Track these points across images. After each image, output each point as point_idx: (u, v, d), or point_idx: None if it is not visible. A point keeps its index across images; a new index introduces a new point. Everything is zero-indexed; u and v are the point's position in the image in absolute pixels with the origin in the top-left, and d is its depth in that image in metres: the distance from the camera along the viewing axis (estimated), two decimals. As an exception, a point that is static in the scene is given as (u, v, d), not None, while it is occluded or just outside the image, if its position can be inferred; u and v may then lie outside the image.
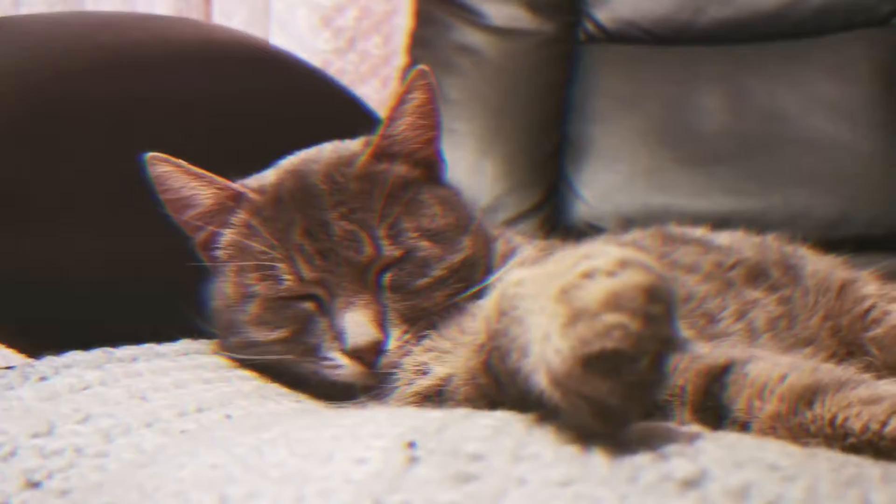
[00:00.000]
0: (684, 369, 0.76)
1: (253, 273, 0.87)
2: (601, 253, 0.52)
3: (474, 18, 2.04)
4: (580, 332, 0.48)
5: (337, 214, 0.87)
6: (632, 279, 0.49)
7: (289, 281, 0.85)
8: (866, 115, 1.72)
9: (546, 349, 0.51)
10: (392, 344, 0.84)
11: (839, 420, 0.63)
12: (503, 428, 0.52)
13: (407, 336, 0.85)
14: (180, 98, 1.22)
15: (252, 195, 0.92)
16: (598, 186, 1.80)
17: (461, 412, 0.59)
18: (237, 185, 0.93)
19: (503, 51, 2.01)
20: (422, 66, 0.92)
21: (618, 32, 1.98)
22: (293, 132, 1.41)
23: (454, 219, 0.93)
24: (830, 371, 0.71)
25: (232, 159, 1.24)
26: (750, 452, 0.47)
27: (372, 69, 2.53)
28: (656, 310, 0.49)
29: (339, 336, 0.84)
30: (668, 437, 0.48)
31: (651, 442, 0.47)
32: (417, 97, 0.92)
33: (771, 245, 1.21)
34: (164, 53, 1.20)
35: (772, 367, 0.72)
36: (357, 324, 0.83)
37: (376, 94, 2.43)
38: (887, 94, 1.74)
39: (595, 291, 0.49)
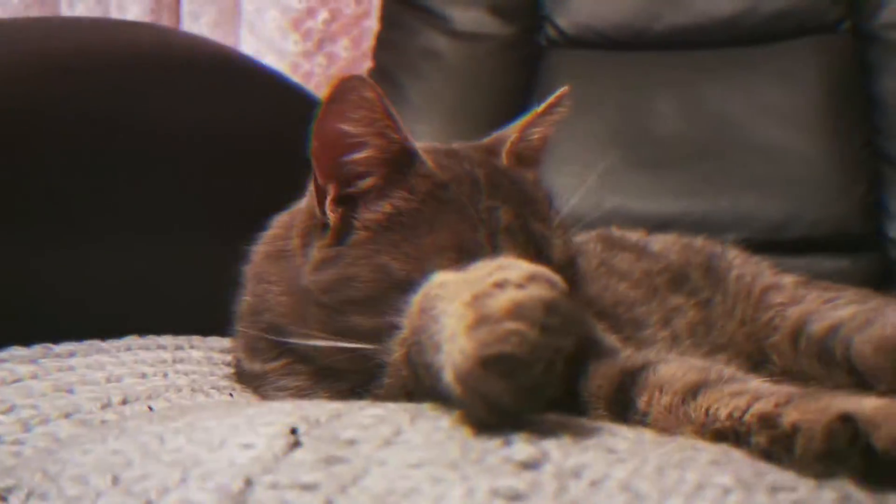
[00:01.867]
0: (603, 373, 0.82)
1: (443, 248, 0.79)
2: (515, 266, 0.57)
3: (439, 22, 2.08)
4: (482, 335, 0.53)
5: (529, 212, 0.84)
6: (536, 292, 0.54)
7: None
8: (813, 120, 1.77)
9: (453, 348, 0.55)
10: None
11: (712, 409, 0.69)
12: (388, 417, 0.57)
13: None
14: (124, 105, 1.25)
15: (433, 165, 0.84)
16: (554, 187, 1.83)
17: (360, 404, 0.63)
18: (415, 146, 0.84)
19: (466, 55, 2.05)
20: (568, 86, 0.95)
21: (577, 37, 2.03)
22: (252, 138, 1.45)
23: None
24: (718, 371, 0.77)
25: (174, 167, 1.28)
26: (597, 439, 0.51)
27: (340, 72, 2.57)
28: (553, 322, 0.54)
29: None
30: (531, 426, 0.52)
31: (511, 430, 0.52)
32: (559, 115, 0.95)
33: (699, 249, 1.25)
34: (115, 58, 1.22)
35: (676, 368, 0.79)
36: None
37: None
38: (834, 100, 1.79)
39: (501, 300, 0.54)
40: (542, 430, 0.53)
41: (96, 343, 0.98)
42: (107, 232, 1.18)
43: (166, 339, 1.06)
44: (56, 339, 0.96)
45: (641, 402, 0.78)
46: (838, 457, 0.53)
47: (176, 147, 1.31)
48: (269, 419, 0.56)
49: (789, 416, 0.60)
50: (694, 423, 0.71)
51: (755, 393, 0.68)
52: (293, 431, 0.53)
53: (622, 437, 0.55)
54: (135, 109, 1.25)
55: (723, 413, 0.68)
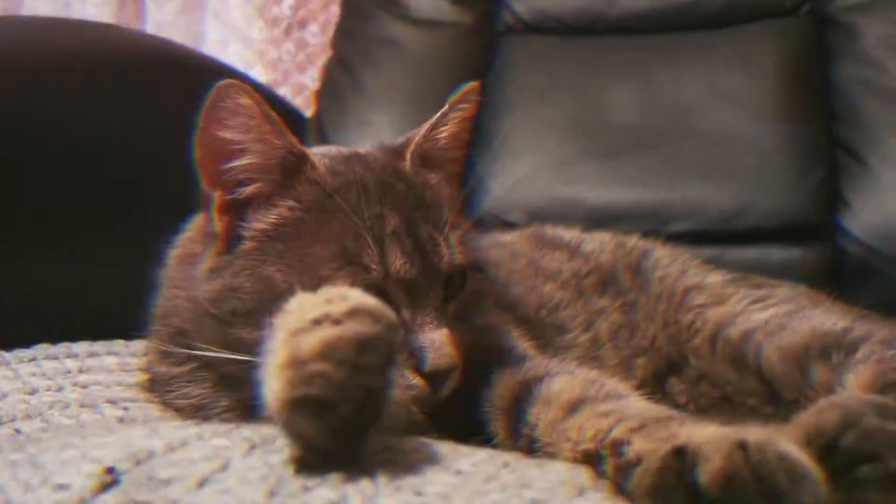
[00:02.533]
0: (505, 383, 0.83)
1: (327, 257, 0.78)
2: (339, 298, 0.56)
3: (397, 10, 2.06)
4: (290, 375, 0.52)
5: (419, 217, 0.83)
6: (351, 330, 0.53)
7: (375, 271, 0.78)
8: (769, 106, 1.74)
9: (267, 385, 0.54)
10: (457, 371, 0.81)
11: (583, 429, 0.69)
12: (223, 451, 0.56)
13: (461, 367, 0.81)
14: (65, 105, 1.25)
15: (322, 171, 0.83)
16: (505, 178, 1.82)
17: (210, 431, 0.62)
18: (305, 150, 0.84)
19: (423, 42, 2.03)
20: (477, 83, 0.93)
21: (535, 23, 2.00)
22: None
23: (481, 252, 0.92)
24: (601, 387, 0.77)
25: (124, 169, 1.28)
26: (416, 478, 0.50)
27: (309, 58, 2.54)
28: (367, 361, 0.52)
29: (417, 353, 0.78)
30: (352, 465, 0.52)
31: (330, 469, 0.51)
32: (467, 110, 0.92)
33: (630, 248, 1.23)
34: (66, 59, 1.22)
35: (566, 382, 0.80)
36: (442, 344, 0.78)
37: (314, 83, 2.43)
38: (791, 85, 1.76)
39: (313, 339, 0.53)
40: (360, 470, 0.51)
41: (1, 354, 0.98)
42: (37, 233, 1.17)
43: (81, 346, 1.05)
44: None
45: (532, 416, 0.78)
46: (667, 492, 0.52)
47: (106, 146, 1.30)
48: (101, 454, 0.55)
49: (635, 445, 0.59)
50: (570, 441, 0.71)
51: (621, 414, 0.67)
52: (110, 471, 0.52)
53: (451, 471, 0.53)
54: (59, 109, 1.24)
55: (589, 433, 0.68)
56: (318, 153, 0.89)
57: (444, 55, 2.02)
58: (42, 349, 1.02)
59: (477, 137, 1.87)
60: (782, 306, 1.04)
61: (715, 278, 1.17)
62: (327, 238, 0.79)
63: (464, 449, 0.64)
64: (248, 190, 0.83)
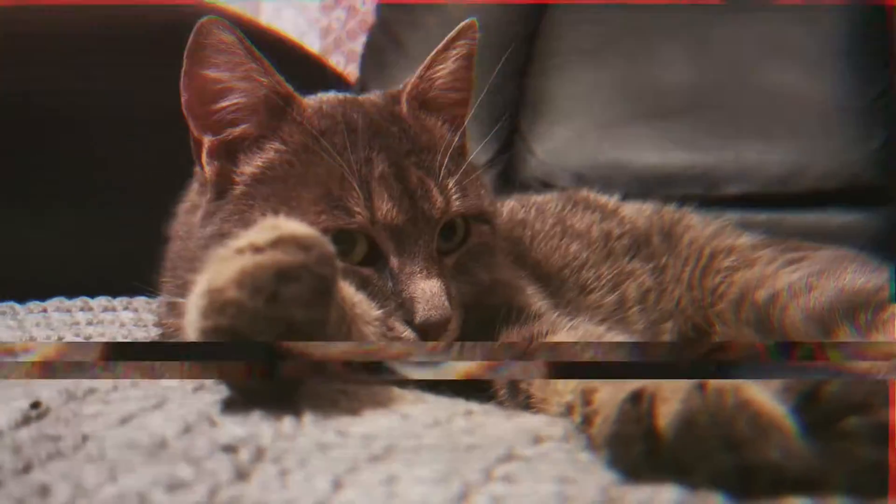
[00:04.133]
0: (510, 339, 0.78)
1: (311, 200, 0.75)
2: (269, 228, 0.52)
3: (443, -28, 2.01)
4: (202, 305, 0.49)
5: (411, 161, 0.79)
6: (271, 258, 0.49)
7: (359, 215, 0.75)
8: (830, 63, 1.64)
9: (186, 316, 0.51)
10: (453, 325, 0.76)
11: (567, 383, 0.63)
12: (166, 392, 0.53)
13: (459, 322, 0.78)
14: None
15: (309, 112, 0.80)
16: (551, 141, 1.77)
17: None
18: (291, 90, 0.80)
19: (468, 5, 1.97)
20: (473, 19, 0.86)
21: (584, -18, 1.93)
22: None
23: (492, 203, 0.88)
24: (598, 338, 0.73)
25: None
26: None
27: (360, 25, 2.52)
28: (288, 292, 0.48)
29: (407, 304, 0.74)
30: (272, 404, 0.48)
31: (251, 406, 0.48)
32: (465, 47, 0.85)
33: (665, 213, 1.17)
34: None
35: (565, 335, 0.76)
36: (434, 295, 0.74)
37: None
38: (855, 41, 1.65)
39: (231, 267, 0.49)
40: (286, 408, 0.48)
41: (12, 305, 0.98)
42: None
43: (99, 301, 1.05)
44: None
45: None
46: (623, 439, 0.47)
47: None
48: (39, 391, 0.53)
49: (600, 392, 0.54)
50: (557, 394, 0.67)
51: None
52: (34, 406, 0.50)
53: (396, 415, 0.50)
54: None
55: (570, 385, 0.63)
56: (314, 97, 0.86)
57: (489, 17, 1.95)
58: (57, 302, 1.02)
59: (525, 99, 1.86)
60: (814, 267, 0.96)
61: (744, 240, 1.09)
62: (313, 181, 0.76)
63: (432, 398, 0.59)
64: (236, 131, 0.80)
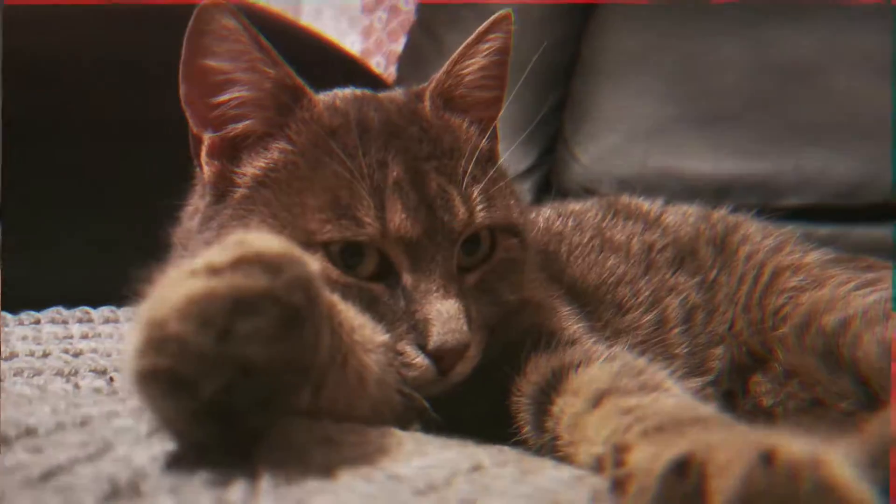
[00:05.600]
0: (540, 369, 0.69)
1: (316, 207, 0.66)
2: (234, 244, 0.43)
3: (486, -30, 1.92)
4: (140, 340, 0.40)
5: (431, 166, 0.70)
6: (229, 283, 0.40)
7: (369, 226, 0.66)
8: (903, 65, 1.51)
9: (124, 349, 0.42)
10: (473, 351, 0.68)
11: (600, 426, 0.55)
12: (118, 436, 0.45)
13: (480, 347, 0.70)
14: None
15: (320, 108, 0.72)
16: (595, 147, 1.66)
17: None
18: (301, 83, 0.72)
19: (512, 4, 1.88)
20: (508, 10, 0.77)
21: (634, -20, 1.82)
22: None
23: (522, 215, 0.78)
24: (637, 375, 0.62)
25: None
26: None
27: (402, 25, 2.44)
28: (245, 326, 0.39)
29: (420, 326, 0.66)
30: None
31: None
32: (498, 41, 0.77)
33: (715, 221, 1.05)
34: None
35: (601, 368, 0.65)
36: (451, 317, 0.65)
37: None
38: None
39: (178, 292, 0.40)
40: (241, 468, 0.39)
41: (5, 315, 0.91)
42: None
43: (101, 311, 0.97)
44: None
45: (557, 407, 0.65)
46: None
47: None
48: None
49: (635, 453, 0.44)
50: (586, 442, 0.58)
51: (643, 412, 0.53)
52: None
53: (381, 476, 0.40)
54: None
55: (603, 433, 0.55)
56: (328, 92, 0.78)
57: (534, 16, 1.86)
58: (53, 313, 0.94)
59: (569, 103, 1.76)
60: (892, 291, 0.84)
61: (814, 257, 0.97)
62: (319, 186, 0.67)
63: (437, 445, 0.50)
64: (239, 128, 0.72)
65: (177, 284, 0.40)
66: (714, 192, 1.50)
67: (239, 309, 0.39)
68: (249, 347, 0.39)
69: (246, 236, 0.44)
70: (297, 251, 0.45)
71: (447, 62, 0.77)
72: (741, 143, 1.55)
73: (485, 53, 0.77)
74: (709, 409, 0.52)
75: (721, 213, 1.07)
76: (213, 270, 0.41)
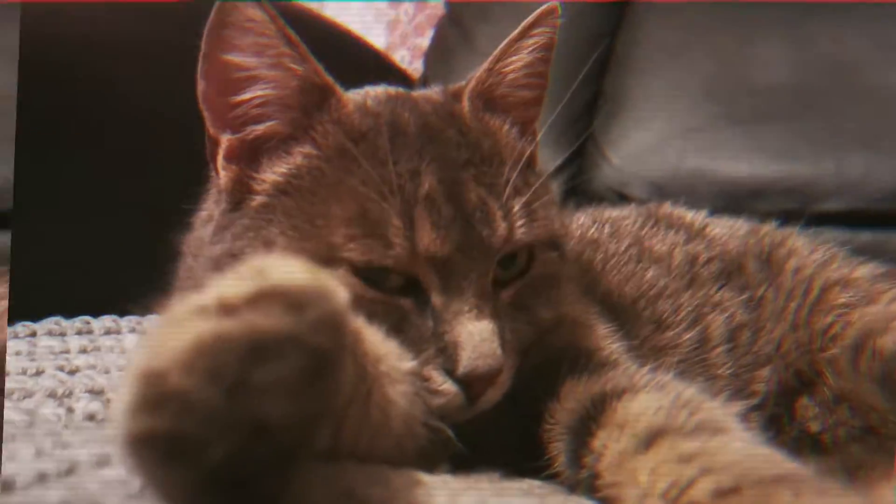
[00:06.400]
0: (576, 395, 0.64)
1: (342, 219, 0.62)
2: (250, 276, 0.38)
3: (518, -39, 1.86)
4: (133, 396, 0.35)
5: (469, 174, 0.65)
6: (245, 325, 0.35)
7: (398, 247, 0.61)
8: (953, 64, 1.44)
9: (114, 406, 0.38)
10: (505, 376, 0.64)
11: (655, 474, 0.51)
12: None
13: (513, 371, 0.65)
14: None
15: (350, 109, 0.67)
16: (627, 147, 1.61)
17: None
18: (331, 81, 0.67)
19: (544, -4, 1.83)
20: (556, 3, 0.73)
21: (671, -27, 1.76)
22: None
23: (563, 226, 0.73)
24: (694, 411, 0.57)
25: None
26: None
27: (428, 20, 2.39)
28: (263, 378, 0.35)
29: (449, 350, 0.61)
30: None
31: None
32: (545, 36, 0.72)
33: (762, 235, 0.99)
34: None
35: (650, 400, 0.60)
36: (483, 340, 0.61)
37: (432, 45, 2.25)
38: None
39: (184, 338, 0.35)
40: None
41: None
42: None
43: (103, 321, 0.93)
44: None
45: (599, 441, 0.60)
46: None
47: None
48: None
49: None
50: (638, 488, 0.53)
51: (709, 462, 0.48)
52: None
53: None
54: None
55: (661, 483, 0.50)
56: (358, 91, 0.73)
57: (568, 12, 1.80)
58: (50, 323, 0.90)
59: (601, 100, 1.71)
60: None
61: (863, 272, 0.91)
62: (347, 195, 0.62)
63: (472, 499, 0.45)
64: (260, 129, 0.67)
65: (181, 326, 0.35)
66: (751, 196, 1.45)
67: (256, 356, 0.35)
68: (267, 403, 0.35)
69: (265, 263, 0.39)
70: (324, 280, 0.40)
71: (489, 59, 0.72)
72: (780, 144, 1.49)
73: (530, 49, 0.72)
74: (791, 463, 0.47)
75: (769, 227, 1.01)
76: (226, 308, 0.36)
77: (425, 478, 0.49)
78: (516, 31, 0.71)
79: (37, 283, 0.96)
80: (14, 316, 0.89)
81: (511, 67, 0.72)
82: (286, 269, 0.38)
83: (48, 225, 1.06)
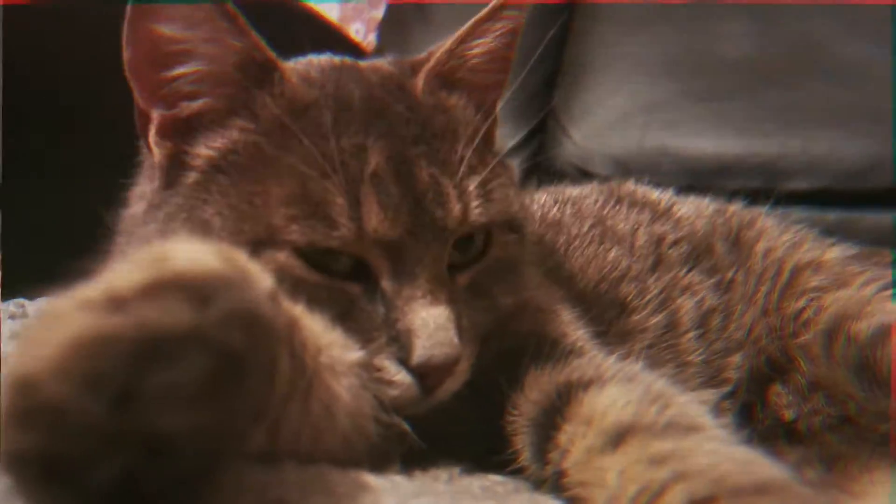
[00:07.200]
0: (541, 385, 0.60)
1: (282, 199, 0.56)
2: (149, 261, 0.32)
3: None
4: (5, 408, 0.29)
5: (420, 152, 0.60)
6: (136, 320, 0.29)
7: (343, 227, 0.56)
8: (920, 38, 1.41)
9: None
10: (463, 365, 0.59)
11: (625, 475, 0.47)
12: None
13: (471, 360, 0.60)
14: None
15: (293, 81, 0.61)
16: (589, 123, 1.56)
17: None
18: (273, 57, 0.61)
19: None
20: None
21: (633, -57, 1.71)
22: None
23: (522, 208, 0.69)
24: (664, 407, 0.53)
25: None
26: None
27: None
28: (157, 386, 0.29)
29: (402, 338, 0.57)
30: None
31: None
32: (513, 21, 0.67)
33: (730, 216, 0.95)
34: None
35: (618, 393, 0.56)
36: (439, 327, 0.56)
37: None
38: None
39: (61, 334, 0.29)
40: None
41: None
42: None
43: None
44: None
45: (564, 436, 0.55)
46: None
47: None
48: None
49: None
50: (605, 489, 0.49)
51: (682, 466, 0.44)
52: None
53: None
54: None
55: (630, 488, 0.45)
56: (300, 61, 0.67)
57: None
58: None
59: (561, 75, 1.66)
60: None
61: (834, 254, 0.88)
62: (286, 173, 0.57)
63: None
64: (194, 106, 0.61)
65: (60, 323, 0.29)
66: (715, 173, 1.42)
67: (148, 359, 0.28)
68: (164, 414, 0.28)
69: (169, 248, 0.33)
70: (240, 266, 0.35)
71: (451, 39, 0.67)
72: (745, 121, 1.46)
73: (497, 34, 0.66)
74: (771, 467, 0.43)
75: (736, 207, 0.97)
76: (116, 301, 0.30)
77: (373, 481, 0.44)
78: (484, 12, 0.66)
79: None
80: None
81: (475, 52, 0.67)
82: (193, 254, 0.32)
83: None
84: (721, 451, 0.45)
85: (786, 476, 0.42)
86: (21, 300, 0.86)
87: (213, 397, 0.29)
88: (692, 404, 0.54)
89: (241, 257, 0.36)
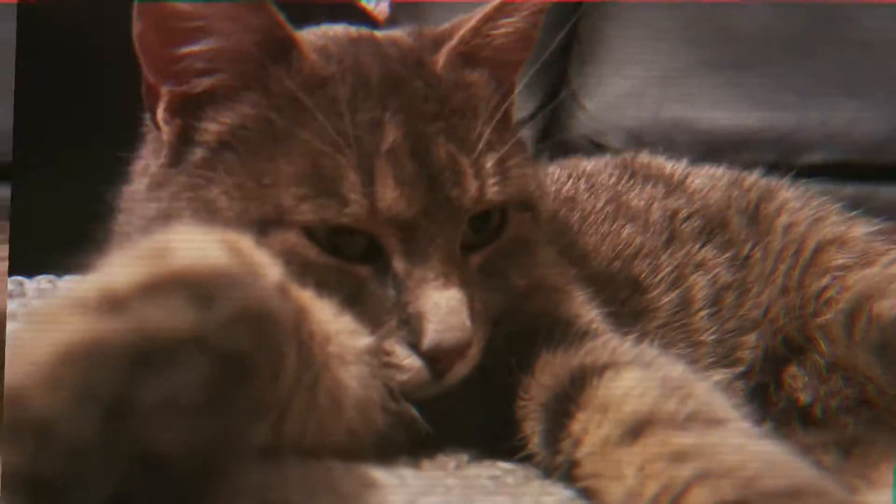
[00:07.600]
0: (553, 370, 0.58)
1: (292, 177, 0.55)
2: (149, 256, 0.31)
3: None
4: None
5: (438, 129, 0.58)
6: (134, 325, 0.28)
7: (355, 204, 0.55)
8: (944, 8, 1.38)
9: None
10: (475, 349, 0.58)
11: (644, 471, 0.45)
12: None
13: (483, 343, 0.59)
14: None
15: (311, 56, 0.59)
16: (603, 94, 1.54)
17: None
18: (293, 34, 0.59)
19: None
20: None
21: None
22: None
23: (539, 186, 0.66)
24: (686, 397, 0.50)
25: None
26: None
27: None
28: (153, 396, 0.27)
29: (413, 322, 0.55)
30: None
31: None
32: (538, 3, 0.65)
33: (748, 187, 0.92)
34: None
35: (637, 380, 0.54)
36: (451, 310, 0.55)
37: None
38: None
39: (49, 344, 0.27)
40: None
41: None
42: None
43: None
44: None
45: (577, 423, 0.53)
46: None
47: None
48: None
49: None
50: (622, 482, 0.46)
51: (706, 464, 0.42)
52: None
53: None
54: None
55: (650, 485, 0.44)
56: (315, 32, 0.64)
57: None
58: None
59: (575, 43, 1.63)
60: None
61: (860, 230, 0.85)
62: (297, 150, 0.55)
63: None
64: (207, 83, 0.59)
65: (51, 328, 0.27)
66: (732, 146, 1.39)
67: (145, 367, 0.27)
68: (159, 428, 0.27)
69: (170, 240, 0.31)
70: (249, 257, 0.33)
71: (477, 17, 0.63)
72: (763, 92, 1.43)
73: (526, 13, 0.64)
74: (804, 467, 0.41)
75: (754, 178, 0.95)
76: (112, 302, 0.28)
77: (380, 477, 0.43)
78: None
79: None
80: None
81: (502, 31, 0.64)
82: (197, 245, 0.31)
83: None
84: (748, 447, 0.44)
85: (821, 478, 0.40)
86: (19, 278, 0.85)
87: (216, 406, 0.28)
88: (714, 393, 0.52)
89: (248, 246, 0.35)
